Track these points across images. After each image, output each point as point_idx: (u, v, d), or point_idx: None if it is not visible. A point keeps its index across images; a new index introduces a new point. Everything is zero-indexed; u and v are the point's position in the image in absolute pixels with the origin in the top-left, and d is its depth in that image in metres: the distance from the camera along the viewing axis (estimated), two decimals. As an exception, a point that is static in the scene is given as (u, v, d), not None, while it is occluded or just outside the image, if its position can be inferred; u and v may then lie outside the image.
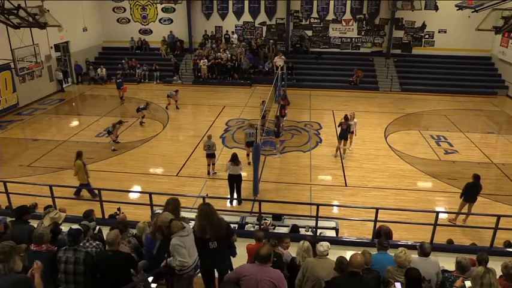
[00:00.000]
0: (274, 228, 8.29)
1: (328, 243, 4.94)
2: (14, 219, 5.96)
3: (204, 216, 4.93)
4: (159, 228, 4.92)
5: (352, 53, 24.91)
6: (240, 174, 10.82)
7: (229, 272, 4.93)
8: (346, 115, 13.63)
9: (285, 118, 16.48)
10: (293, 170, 13.00)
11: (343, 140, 13.58)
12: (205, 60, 23.23)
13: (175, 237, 4.68)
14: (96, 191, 10.25)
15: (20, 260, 3.71)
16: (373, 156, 13.91)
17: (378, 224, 7.64)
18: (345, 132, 13.42)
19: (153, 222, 5.27)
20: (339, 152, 13.74)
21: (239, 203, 11.02)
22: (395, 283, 4.45)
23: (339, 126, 13.61)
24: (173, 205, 5.31)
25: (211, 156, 12.28)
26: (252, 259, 4.98)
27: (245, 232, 7.98)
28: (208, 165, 12.43)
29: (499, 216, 7.38)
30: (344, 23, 24.61)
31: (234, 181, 10.82)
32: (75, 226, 5.23)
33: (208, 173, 12.46)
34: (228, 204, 10.95)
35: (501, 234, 7.68)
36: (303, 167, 13.16)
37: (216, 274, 5.34)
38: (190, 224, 5.20)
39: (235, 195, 11.01)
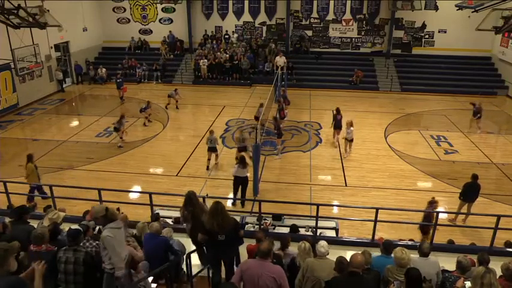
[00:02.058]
0: (274, 228, 8.29)
1: (326, 243, 4.95)
2: (13, 219, 5.95)
3: (211, 213, 5.44)
4: (96, 219, 4.80)
5: (352, 53, 24.90)
6: (247, 176, 10.74)
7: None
8: (337, 108, 14.83)
9: (285, 119, 16.43)
10: (293, 170, 13.00)
11: (337, 130, 14.77)
12: (205, 60, 23.25)
13: (107, 229, 4.48)
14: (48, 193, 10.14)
15: (14, 260, 3.66)
16: (373, 156, 13.91)
17: (378, 224, 7.64)
18: (339, 123, 14.58)
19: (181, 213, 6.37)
20: (337, 140, 14.85)
21: (242, 204, 10.92)
22: (395, 282, 4.45)
23: (333, 120, 14.71)
24: (194, 197, 6.21)
25: (212, 150, 12.53)
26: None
27: (245, 232, 7.99)
28: (209, 159, 12.50)
29: (499, 216, 7.38)
30: (344, 23, 24.61)
31: (240, 183, 10.73)
32: (75, 226, 5.23)
33: (208, 168, 12.60)
34: (229, 203, 10.91)
35: (501, 234, 7.68)
36: (303, 167, 13.16)
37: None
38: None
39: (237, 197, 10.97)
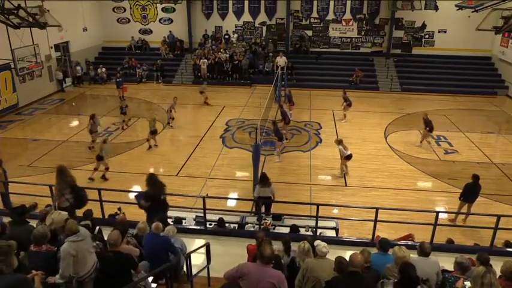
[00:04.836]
0: (274, 228, 8.29)
1: (324, 243, 4.95)
2: (12, 219, 5.94)
3: (154, 183, 7.45)
4: (55, 229, 4.75)
5: (352, 53, 24.90)
6: (270, 197, 9.04)
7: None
8: (344, 90, 17.97)
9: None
10: (293, 170, 13.00)
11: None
12: (205, 60, 23.24)
13: (67, 242, 4.35)
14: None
15: (15, 258, 3.73)
16: (373, 156, 13.89)
17: (378, 224, 7.64)
18: (348, 99, 17.25)
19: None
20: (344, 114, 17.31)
21: (273, 218, 8.91)
22: (385, 280, 4.45)
23: (344, 96, 17.43)
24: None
25: (99, 159, 12.05)
26: (252, 259, 5.00)
27: (245, 232, 7.99)
28: (95, 169, 12.08)
29: (499, 216, 7.38)
30: (344, 23, 24.61)
31: (264, 203, 9.01)
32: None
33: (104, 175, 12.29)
34: (231, 203, 10.87)
35: (501, 234, 7.69)
36: (303, 167, 13.16)
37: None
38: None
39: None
